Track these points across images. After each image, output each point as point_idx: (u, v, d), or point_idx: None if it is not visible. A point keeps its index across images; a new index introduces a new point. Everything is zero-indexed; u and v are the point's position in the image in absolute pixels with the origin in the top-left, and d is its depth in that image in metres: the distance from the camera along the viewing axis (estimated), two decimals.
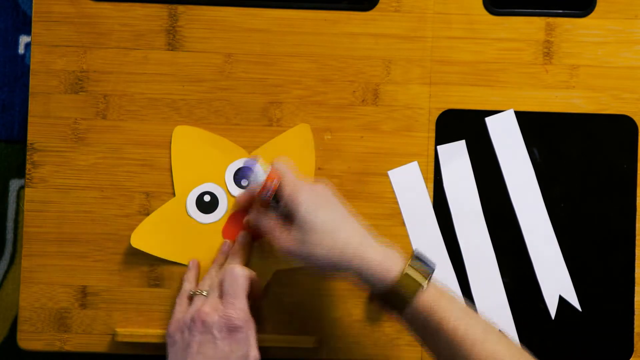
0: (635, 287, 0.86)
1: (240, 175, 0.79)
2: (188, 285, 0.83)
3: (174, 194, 0.86)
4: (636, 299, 0.86)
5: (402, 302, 0.73)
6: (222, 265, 0.83)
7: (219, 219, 0.86)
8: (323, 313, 0.86)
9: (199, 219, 0.86)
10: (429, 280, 0.74)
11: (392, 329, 0.86)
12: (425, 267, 0.75)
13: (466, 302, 0.76)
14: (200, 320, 0.75)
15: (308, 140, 0.86)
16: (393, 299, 0.74)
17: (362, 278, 0.75)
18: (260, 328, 0.77)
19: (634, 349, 0.86)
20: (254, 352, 0.75)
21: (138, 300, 0.86)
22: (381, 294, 0.75)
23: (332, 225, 0.76)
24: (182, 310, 0.79)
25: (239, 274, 0.77)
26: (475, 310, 0.74)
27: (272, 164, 0.80)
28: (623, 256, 0.86)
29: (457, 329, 0.72)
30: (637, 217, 0.86)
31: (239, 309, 0.76)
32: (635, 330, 0.86)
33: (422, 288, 0.73)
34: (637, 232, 0.86)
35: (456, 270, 0.86)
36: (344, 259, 0.75)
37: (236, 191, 0.86)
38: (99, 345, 0.86)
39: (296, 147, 0.86)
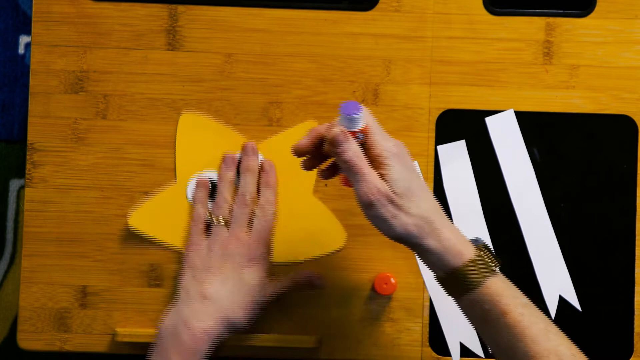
0: (635, 287, 0.86)
1: (343, 111, 0.72)
2: (202, 209, 0.85)
3: (175, 179, 0.86)
4: (636, 299, 0.86)
5: (470, 286, 0.72)
6: (231, 181, 0.85)
7: None
8: (323, 313, 0.86)
9: None
10: (498, 267, 0.73)
11: (392, 329, 0.86)
12: (494, 256, 0.74)
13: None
14: (225, 248, 0.82)
15: None
16: (461, 281, 0.72)
17: (430, 256, 0.73)
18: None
19: (634, 349, 0.86)
20: (269, 288, 0.83)
21: (138, 300, 0.86)
22: (448, 275, 0.73)
23: (419, 193, 0.73)
24: (200, 235, 0.84)
25: (273, 217, 0.84)
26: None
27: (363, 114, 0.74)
28: (623, 256, 0.86)
29: (521, 321, 0.71)
30: (637, 217, 0.86)
31: (264, 247, 0.83)
32: (635, 330, 0.86)
33: (493, 274, 0.72)
34: (637, 232, 0.86)
35: None
36: (421, 233, 0.72)
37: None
38: (99, 345, 0.86)
39: None
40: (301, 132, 0.85)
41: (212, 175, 0.86)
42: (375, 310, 0.86)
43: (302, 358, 0.86)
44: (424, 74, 0.87)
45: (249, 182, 0.85)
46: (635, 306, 0.86)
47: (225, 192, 0.85)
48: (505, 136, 0.87)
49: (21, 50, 0.99)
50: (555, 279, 0.86)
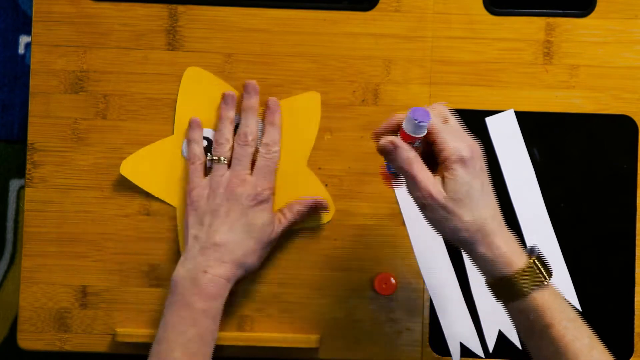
0: (635, 287, 0.86)
1: (412, 115, 0.71)
2: (198, 148, 0.85)
3: (173, 132, 0.86)
4: (636, 299, 0.86)
5: (516, 295, 0.72)
6: (232, 120, 0.85)
7: None
8: (323, 313, 0.86)
9: None
10: (547, 280, 0.73)
11: (392, 329, 0.86)
12: (545, 266, 0.73)
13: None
14: (229, 190, 0.82)
15: (315, 108, 0.86)
16: (508, 289, 0.72)
17: (480, 262, 0.73)
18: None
19: (634, 349, 0.86)
20: (276, 224, 0.83)
21: (138, 300, 0.86)
22: (496, 282, 0.73)
23: (477, 200, 0.72)
24: (200, 176, 0.84)
25: (277, 156, 0.84)
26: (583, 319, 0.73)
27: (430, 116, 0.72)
28: (623, 256, 0.86)
29: (565, 335, 0.71)
30: (637, 217, 0.86)
31: (269, 185, 0.83)
32: (635, 330, 0.86)
33: (542, 285, 0.72)
34: (637, 232, 0.86)
35: (456, 270, 0.86)
36: (472, 239, 0.72)
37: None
38: (99, 345, 0.86)
39: (302, 113, 0.86)
40: (303, 102, 0.86)
41: (209, 133, 0.86)
42: (375, 310, 0.86)
43: (302, 358, 0.86)
44: (424, 74, 0.87)
45: (250, 121, 0.84)
46: (635, 306, 0.86)
47: (226, 131, 0.84)
48: (505, 136, 0.87)
49: (21, 50, 0.99)
50: (555, 279, 0.86)
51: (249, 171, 0.83)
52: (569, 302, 0.73)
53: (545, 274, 0.72)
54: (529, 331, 0.73)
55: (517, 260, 0.72)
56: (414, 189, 0.72)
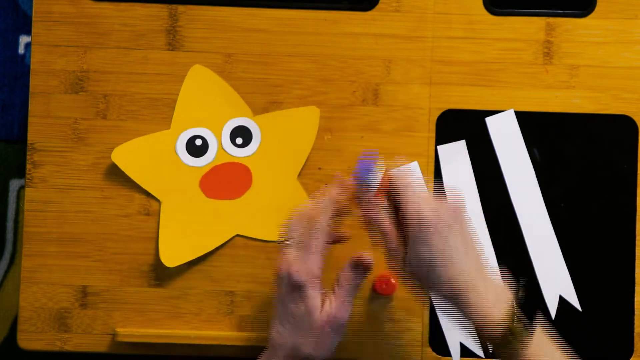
0: (635, 287, 0.86)
1: (356, 177, 0.74)
2: (320, 238, 0.76)
3: (170, 127, 0.86)
4: (636, 299, 0.86)
5: (500, 350, 0.72)
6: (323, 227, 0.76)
7: (202, 166, 0.86)
8: None
9: (183, 159, 0.86)
10: (530, 334, 0.71)
11: (392, 329, 0.86)
12: (527, 319, 0.72)
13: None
14: (278, 274, 0.75)
15: (313, 123, 0.86)
16: (493, 344, 0.73)
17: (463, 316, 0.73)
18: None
19: (634, 349, 0.86)
20: (317, 313, 0.73)
21: (138, 300, 0.86)
22: (481, 336, 0.73)
23: (448, 259, 0.71)
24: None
25: (323, 230, 0.74)
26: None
27: (387, 169, 0.75)
28: (623, 256, 0.86)
29: None
30: (637, 217, 0.86)
31: (307, 266, 0.74)
32: (635, 330, 0.86)
33: (523, 344, 0.70)
34: (637, 232, 0.86)
35: None
36: (446, 304, 0.73)
37: (229, 147, 0.86)
38: (99, 345, 0.86)
39: (299, 126, 0.86)
40: (302, 115, 0.86)
41: (205, 133, 0.86)
42: (375, 310, 0.86)
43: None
44: (424, 74, 0.87)
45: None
46: (635, 306, 0.86)
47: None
48: (505, 136, 0.87)
49: (21, 50, 0.99)
50: (555, 279, 0.86)
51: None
52: (556, 347, 0.72)
53: (525, 328, 0.71)
54: None
55: (497, 315, 0.71)
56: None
